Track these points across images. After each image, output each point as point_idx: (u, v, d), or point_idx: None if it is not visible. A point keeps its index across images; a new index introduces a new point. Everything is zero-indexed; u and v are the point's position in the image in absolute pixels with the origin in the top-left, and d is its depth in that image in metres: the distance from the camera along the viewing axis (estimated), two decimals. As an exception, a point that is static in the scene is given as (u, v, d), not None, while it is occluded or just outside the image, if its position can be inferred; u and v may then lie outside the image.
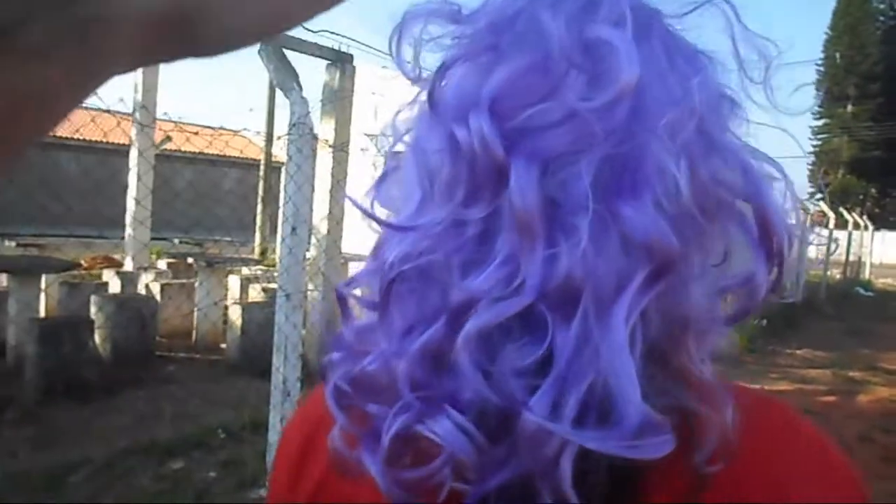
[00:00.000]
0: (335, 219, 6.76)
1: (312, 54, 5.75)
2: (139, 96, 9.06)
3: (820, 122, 50.75)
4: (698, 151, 0.48)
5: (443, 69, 0.51)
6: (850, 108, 48.76)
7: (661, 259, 0.46)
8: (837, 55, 47.36)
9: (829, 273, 16.22)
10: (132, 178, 9.05)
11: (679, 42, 0.53)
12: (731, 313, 0.52)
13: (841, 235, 18.29)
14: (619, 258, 0.46)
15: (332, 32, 9.13)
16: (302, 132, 3.77)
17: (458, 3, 0.53)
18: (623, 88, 0.46)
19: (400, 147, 0.58)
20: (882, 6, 51.15)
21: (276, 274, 4.37)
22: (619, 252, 0.46)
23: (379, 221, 0.54)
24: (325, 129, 6.65)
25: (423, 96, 0.53)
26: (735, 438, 0.46)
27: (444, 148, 0.49)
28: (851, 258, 20.35)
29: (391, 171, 0.59)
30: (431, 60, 0.54)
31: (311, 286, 6.50)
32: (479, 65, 0.50)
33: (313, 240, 6.59)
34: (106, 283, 8.25)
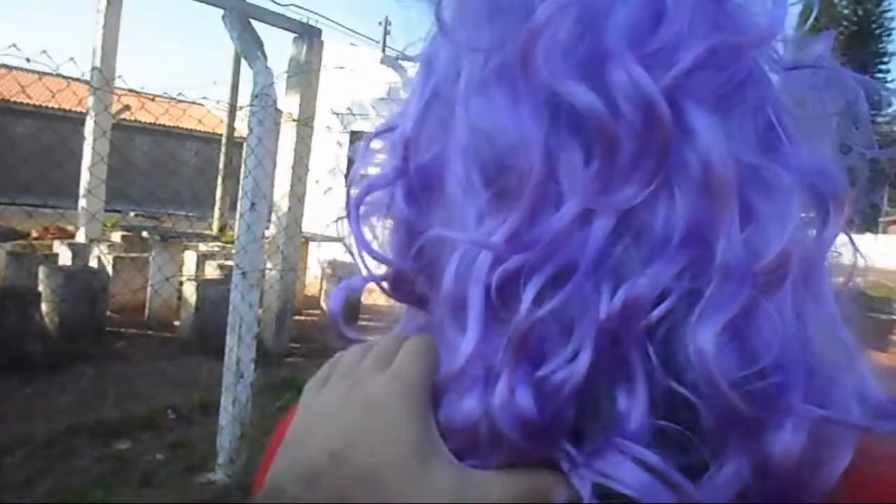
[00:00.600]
0: (297, 196, 6.63)
1: (279, 26, 5.59)
2: (97, 61, 8.75)
3: (780, 122, 51.88)
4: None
5: (537, 26, 0.39)
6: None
7: (839, 202, 0.40)
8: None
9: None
10: (86, 146, 8.75)
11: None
12: None
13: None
14: (811, 214, 0.41)
15: (301, 7, 8.92)
16: (265, 104, 3.63)
17: None
18: (768, 33, 0.41)
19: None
20: (846, 11, 52.30)
21: (233, 251, 4.23)
22: (807, 205, 0.40)
23: (484, 244, 0.41)
24: (289, 102, 6.50)
25: (473, 63, 0.42)
26: None
27: (535, 130, 0.39)
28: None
29: (370, 187, 0.49)
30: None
31: (269, 265, 6.35)
32: (587, 10, 0.40)
33: (273, 217, 6.44)
34: (56, 255, 7.98)
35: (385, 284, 0.51)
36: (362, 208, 0.50)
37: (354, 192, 0.50)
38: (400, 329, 0.52)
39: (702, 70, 0.38)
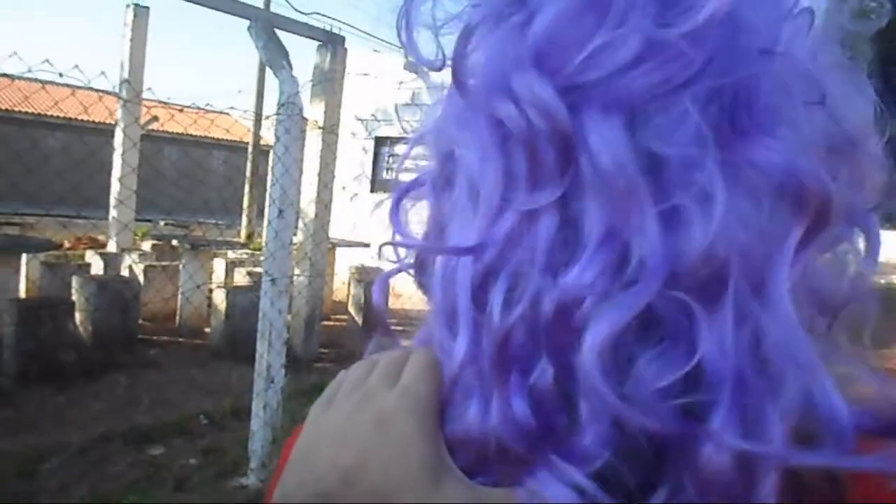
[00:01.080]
0: (323, 202, 6.66)
1: (303, 34, 5.64)
2: (125, 74, 8.88)
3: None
4: (830, 76, 0.39)
5: (464, 39, 0.41)
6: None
7: (818, 205, 0.36)
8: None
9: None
10: (116, 157, 8.88)
11: None
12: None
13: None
14: (767, 216, 0.36)
15: (324, 15, 9.00)
16: (291, 112, 3.66)
17: None
18: (718, 5, 0.36)
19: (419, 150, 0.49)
20: (874, 4, 51.62)
21: (261, 258, 4.28)
22: (760, 205, 0.36)
23: (437, 249, 0.44)
24: (314, 110, 6.54)
25: (450, 89, 0.44)
26: None
27: (486, 144, 0.40)
28: (838, 254, 20.51)
29: (408, 189, 0.50)
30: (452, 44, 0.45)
31: (297, 271, 6.40)
32: (511, 26, 0.40)
33: (300, 224, 6.49)
34: (88, 265, 8.10)
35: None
36: (408, 203, 0.50)
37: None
38: (422, 333, 0.52)
39: (630, 70, 0.37)
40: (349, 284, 8.57)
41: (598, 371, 0.35)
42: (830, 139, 0.39)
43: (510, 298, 0.38)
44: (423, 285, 0.51)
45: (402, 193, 0.50)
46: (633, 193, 0.35)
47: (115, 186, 8.89)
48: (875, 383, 0.38)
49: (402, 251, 0.51)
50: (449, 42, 0.44)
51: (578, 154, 0.37)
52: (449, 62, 0.44)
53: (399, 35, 0.45)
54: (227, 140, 17.01)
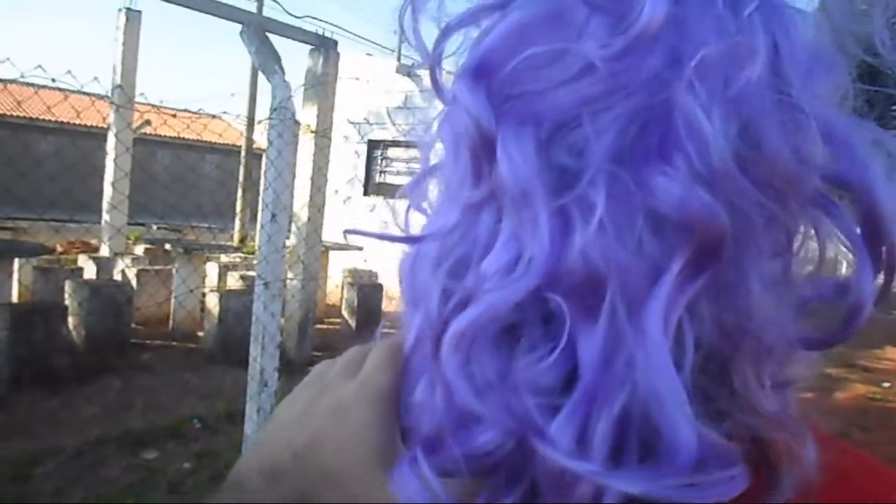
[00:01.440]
0: (316, 206, 6.68)
1: (295, 38, 5.66)
2: (118, 78, 8.88)
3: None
4: (763, 110, 0.37)
5: (439, 40, 0.43)
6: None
7: (705, 239, 0.35)
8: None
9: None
10: (108, 161, 8.88)
11: None
12: (820, 335, 0.42)
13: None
14: (650, 239, 0.36)
15: (316, 18, 9.01)
16: (283, 116, 3.68)
17: None
18: (643, 29, 0.36)
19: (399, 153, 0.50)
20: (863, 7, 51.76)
21: (255, 262, 4.29)
22: (650, 231, 0.36)
23: (386, 237, 0.45)
24: (307, 114, 6.56)
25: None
26: (815, 478, 0.37)
27: (451, 136, 0.42)
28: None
29: (422, 178, 0.50)
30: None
31: (290, 275, 6.41)
32: (479, 28, 0.42)
33: (293, 227, 6.50)
34: (80, 269, 8.09)
35: None
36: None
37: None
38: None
39: (562, 86, 0.38)
40: (342, 287, 8.59)
41: (454, 362, 0.37)
42: (755, 174, 0.37)
43: (452, 287, 0.39)
44: None
45: (410, 189, 0.50)
46: (528, 197, 0.37)
47: (107, 191, 8.89)
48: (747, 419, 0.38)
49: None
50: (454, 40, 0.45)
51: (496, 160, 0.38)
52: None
53: (405, 34, 0.45)
54: (219, 144, 17.00)
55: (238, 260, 9.37)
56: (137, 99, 8.34)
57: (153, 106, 7.04)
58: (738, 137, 0.36)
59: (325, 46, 6.33)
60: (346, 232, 0.51)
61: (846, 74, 0.42)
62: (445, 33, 0.42)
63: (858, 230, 0.39)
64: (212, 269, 8.46)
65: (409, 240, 0.45)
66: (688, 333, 0.36)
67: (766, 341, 0.39)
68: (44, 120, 15.46)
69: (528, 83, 0.38)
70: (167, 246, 8.57)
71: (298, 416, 0.44)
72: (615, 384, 0.35)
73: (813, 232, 0.42)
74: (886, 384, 7.77)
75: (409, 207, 0.49)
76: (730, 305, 0.38)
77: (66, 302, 6.30)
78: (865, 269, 0.39)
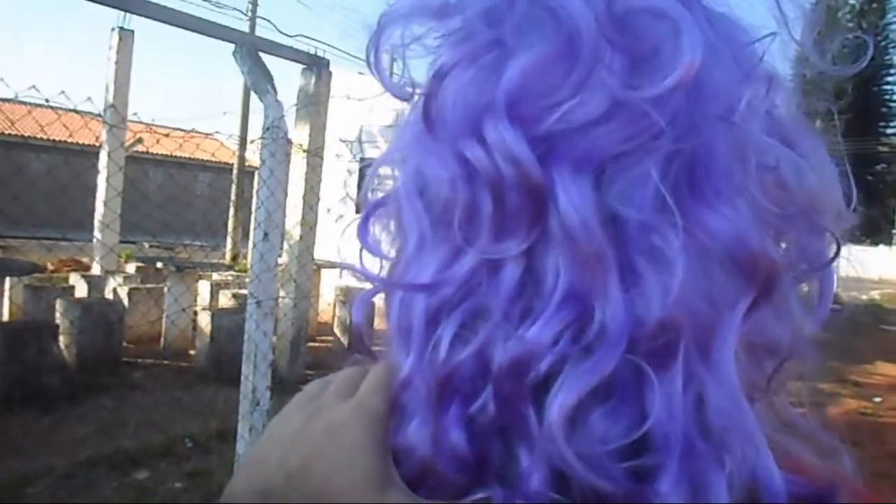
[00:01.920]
0: (308, 225, 6.69)
1: (288, 58, 5.69)
2: (110, 96, 8.91)
3: (789, 137, 51.53)
4: (774, 140, 0.41)
5: (439, 78, 0.41)
6: (818, 123, 49.45)
7: (766, 278, 0.37)
8: (807, 72, 48.19)
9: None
10: (101, 180, 8.89)
11: (721, 16, 0.44)
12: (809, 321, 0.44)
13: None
14: (713, 281, 0.37)
15: (308, 37, 9.06)
16: (276, 136, 3.70)
17: None
18: (685, 72, 0.37)
19: (386, 170, 0.49)
20: (851, 25, 52.18)
21: (247, 280, 4.29)
22: (712, 273, 0.37)
23: (394, 284, 0.45)
24: (299, 133, 6.58)
25: (416, 114, 0.44)
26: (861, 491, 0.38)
27: (454, 175, 0.40)
28: (819, 271, 20.52)
29: (376, 206, 0.49)
30: (421, 70, 0.45)
31: (282, 293, 6.41)
32: (483, 66, 0.41)
33: (286, 246, 6.51)
34: (72, 287, 8.07)
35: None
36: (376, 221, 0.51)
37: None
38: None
39: (597, 126, 0.38)
40: (334, 306, 8.58)
41: (562, 433, 0.36)
42: (782, 207, 0.40)
43: (462, 335, 0.39)
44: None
45: (369, 212, 0.50)
46: (600, 256, 0.36)
47: (99, 209, 8.89)
48: (802, 451, 0.39)
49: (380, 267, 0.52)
50: (415, 66, 0.45)
51: (548, 208, 0.37)
52: (417, 91, 0.45)
53: (367, 59, 0.45)
54: (212, 162, 17.01)
55: (230, 278, 9.36)
56: (130, 118, 8.39)
57: (146, 125, 7.07)
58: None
59: (317, 65, 6.36)
60: (342, 267, 0.51)
61: (786, 87, 0.45)
62: (442, 74, 0.41)
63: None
64: (204, 288, 8.44)
65: (407, 287, 0.44)
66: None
67: (799, 355, 0.42)
68: (37, 139, 15.44)
69: (562, 122, 0.38)
70: (159, 264, 8.57)
71: (292, 435, 0.44)
72: (703, 433, 0.36)
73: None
74: (878, 399, 7.80)
75: (361, 248, 0.49)
76: (762, 332, 0.40)
77: (58, 321, 6.28)
78: (830, 275, 0.44)
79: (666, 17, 0.38)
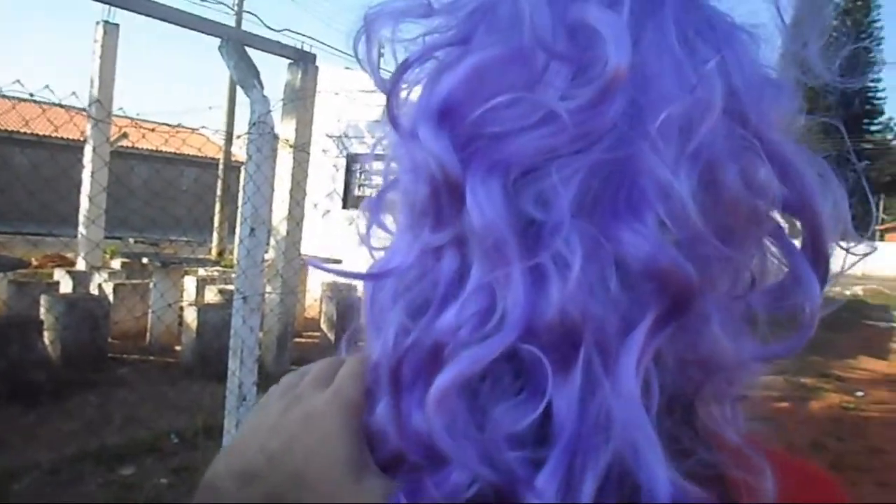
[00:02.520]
0: (295, 220, 6.68)
1: (274, 52, 5.67)
2: (95, 91, 8.85)
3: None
4: (722, 155, 0.40)
5: (397, 74, 0.43)
6: (803, 120, 49.84)
7: (677, 295, 0.37)
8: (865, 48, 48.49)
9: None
10: (86, 175, 8.83)
11: (704, 17, 0.44)
12: (777, 346, 0.43)
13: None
14: (623, 292, 0.38)
15: (295, 32, 9.03)
16: (262, 131, 3.70)
17: None
18: (609, 81, 0.37)
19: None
20: (836, 22, 52.42)
21: (233, 275, 4.29)
22: (622, 285, 0.38)
23: (350, 275, 0.48)
24: (286, 128, 6.57)
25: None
26: None
27: (409, 169, 0.43)
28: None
29: (383, 193, 0.50)
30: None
31: (269, 288, 6.40)
32: (445, 64, 0.43)
33: (272, 241, 6.50)
34: (57, 283, 8.03)
35: None
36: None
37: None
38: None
39: (523, 133, 0.39)
40: (321, 301, 8.58)
41: (439, 418, 0.38)
42: (717, 220, 0.39)
43: (407, 324, 0.41)
44: None
45: (372, 204, 0.51)
46: (501, 251, 0.38)
47: (84, 204, 8.84)
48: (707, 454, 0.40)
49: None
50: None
51: (464, 206, 0.39)
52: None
53: (356, 54, 0.46)
54: (198, 157, 16.94)
55: (216, 274, 9.34)
56: (115, 112, 8.34)
57: (131, 119, 7.03)
58: (699, 188, 0.38)
59: (303, 60, 6.35)
60: (309, 263, 0.53)
61: (793, 97, 0.45)
62: (404, 68, 0.44)
63: (801, 246, 0.43)
64: (190, 283, 8.42)
65: (368, 276, 0.46)
66: (654, 379, 0.38)
67: (728, 376, 0.42)
68: (21, 133, 15.33)
69: (490, 125, 0.39)
70: (144, 260, 8.53)
71: (272, 423, 0.45)
72: (594, 436, 0.37)
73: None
74: (860, 393, 7.88)
75: (370, 224, 0.51)
76: (693, 348, 0.40)
77: (42, 316, 6.25)
78: (812, 281, 0.42)
79: (601, 28, 0.39)
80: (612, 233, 0.38)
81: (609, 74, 0.37)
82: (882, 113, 53.14)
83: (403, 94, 0.45)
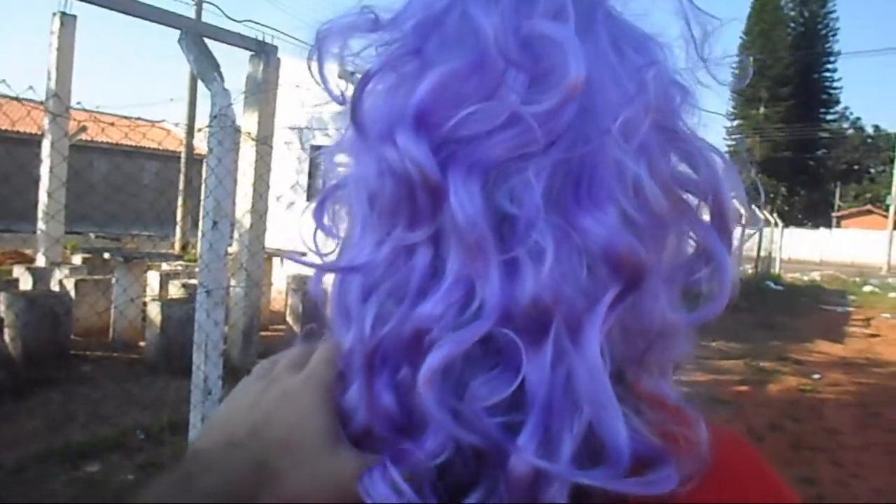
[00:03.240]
0: (258, 213, 6.65)
1: (235, 44, 5.63)
2: (52, 84, 8.68)
3: (734, 123, 52.70)
4: (656, 149, 0.46)
5: (362, 84, 0.47)
6: (762, 110, 50.74)
7: (631, 274, 0.43)
8: (751, 59, 49.07)
9: (742, 268, 16.79)
10: (44, 170, 8.67)
11: (626, 29, 0.50)
12: (705, 311, 0.49)
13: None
14: (587, 275, 0.43)
15: (256, 22, 8.96)
16: (223, 124, 3.68)
17: (373, 10, 0.49)
18: (571, 89, 0.42)
19: (342, 160, 0.55)
20: (793, 13, 53.32)
21: (196, 270, 4.27)
22: (584, 268, 0.43)
23: (325, 268, 0.53)
24: (248, 121, 6.53)
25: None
26: (707, 462, 0.43)
27: (381, 171, 0.46)
28: (762, 254, 21.09)
29: (332, 191, 0.55)
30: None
31: (233, 282, 6.38)
32: (404, 74, 0.47)
33: (236, 234, 6.47)
34: (16, 280, 7.89)
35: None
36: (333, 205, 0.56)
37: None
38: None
39: (492, 136, 0.43)
40: (287, 294, 8.55)
41: (431, 393, 0.43)
42: (649, 209, 0.45)
43: (383, 314, 0.45)
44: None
45: (326, 195, 0.55)
46: (481, 246, 0.42)
47: (43, 200, 8.69)
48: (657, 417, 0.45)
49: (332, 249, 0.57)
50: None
51: (443, 205, 0.43)
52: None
53: (310, 69, 0.51)
54: (159, 151, 16.71)
55: (179, 268, 9.25)
56: (74, 106, 8.19)
57: (90, 112, 6.93)
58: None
59: (265, 52, 6.30)
60: (282, 255, 0.57)
61: (694, 97, 0.51)
62: (367, 80, 0.47)
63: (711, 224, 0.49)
64: (153, 278, 8.34)
65: (341, 269, 0.51)
66: (605, 349, 0.43)
67: (666, 343, 0.48)
68: (-27, 127, 14.98)
69: (463, 131, 0.44)
70: (106, 255, 8.42)
71: (250, 402, 0.49)
72: (564, 399, 0.42)
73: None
74: (817, 376, 8.09)
75: (315, 228, 0.56)
76: (638, 320, 0.46)
77: (2, 314, 6.15)
78: (723, 252, 0.48)
79: (558, 41, 0.43)
80: (577, 222, 0.43)
81: (570, 83, 0.42)
82: (838, 102, 54.17)
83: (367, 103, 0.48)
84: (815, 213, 50.08)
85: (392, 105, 0.46)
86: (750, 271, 19.67)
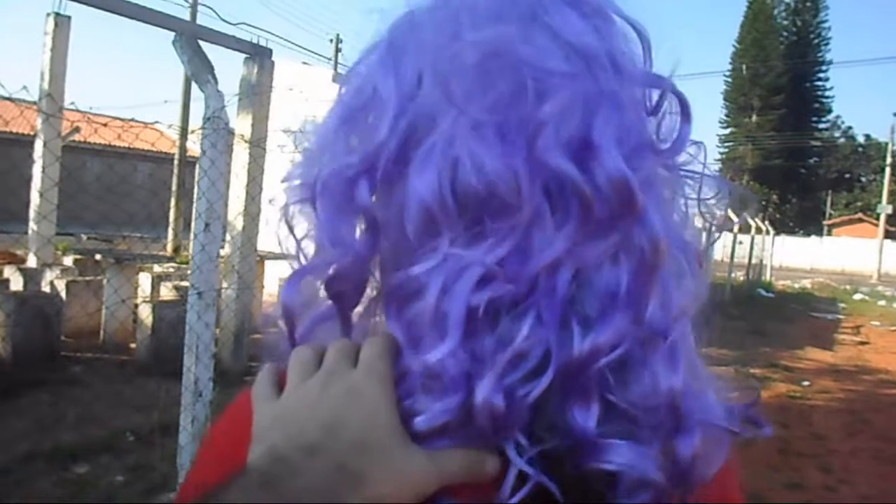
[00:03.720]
0: (251, 216, 6.65)
1: (229, 47, 5.63)
2: (46, 84, 8.66)
3: (727, 131, 52.94)
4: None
5: None
6: (754, 118, 50.97)
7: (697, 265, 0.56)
8: (744, 67, 49.38)
9: (733, 275, 16.89)
10: (36, 170, 8.65)
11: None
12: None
13: (744, 239, 19.03)
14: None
15: (252, 25, 8.95)
16: (217, 126, 3.69)
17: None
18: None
19: None
20: (786, 22, 53.59)
21: (188, 272, 4.27)
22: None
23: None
24: (241, 124, 6.53)
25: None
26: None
27: (534, 180, 0.49)
28: (754, 261, 21.18)
29: (287, 209, 0.62)
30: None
31: (224, 284, 6.37)
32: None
33: (228, 237, 6.46)
34: (7, 280, 7.87)
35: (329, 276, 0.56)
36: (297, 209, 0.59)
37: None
38: (304, 332, 0.58)
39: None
40: (278, 297, 8.53)
41: (680, 398, 0.50)
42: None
43: (531, 330, 0.47)
44: (341, 293, 0.56)
45: (290, 202, 0.57)
46: (661, 266, 0.50)
47: (35, 200, 8.66)
48: None
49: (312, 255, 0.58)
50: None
51: (633, 228, 0.51)
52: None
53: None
54: (152, 152, 16.67)
55: (171, 270, 9.23)
56: (67, 106, 8.17)
57: (83, 113, 6.92)
58: None
59: (259, 55, 6.32)
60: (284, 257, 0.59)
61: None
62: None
63: None
64: (144, 280, 8.31)
65: (502, 278, 0.52)
66: None
67: (664, 332, 0.53)
68: (-34, 127, 14.93)
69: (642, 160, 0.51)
70: (98, 256, 8.39)
71: (314, 399, 0.48)
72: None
73: None
74: (806, 383, 8.13)
75: (303, 237, 0.59)
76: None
77: (-8, 314, 6.14)
78: None
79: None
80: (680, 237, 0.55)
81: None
82: (830, 111, 54.34)
83: None
84: (807, 221, 50.24)
85: (574, 129, 0.49)
86: (741, 278, 19.76)
